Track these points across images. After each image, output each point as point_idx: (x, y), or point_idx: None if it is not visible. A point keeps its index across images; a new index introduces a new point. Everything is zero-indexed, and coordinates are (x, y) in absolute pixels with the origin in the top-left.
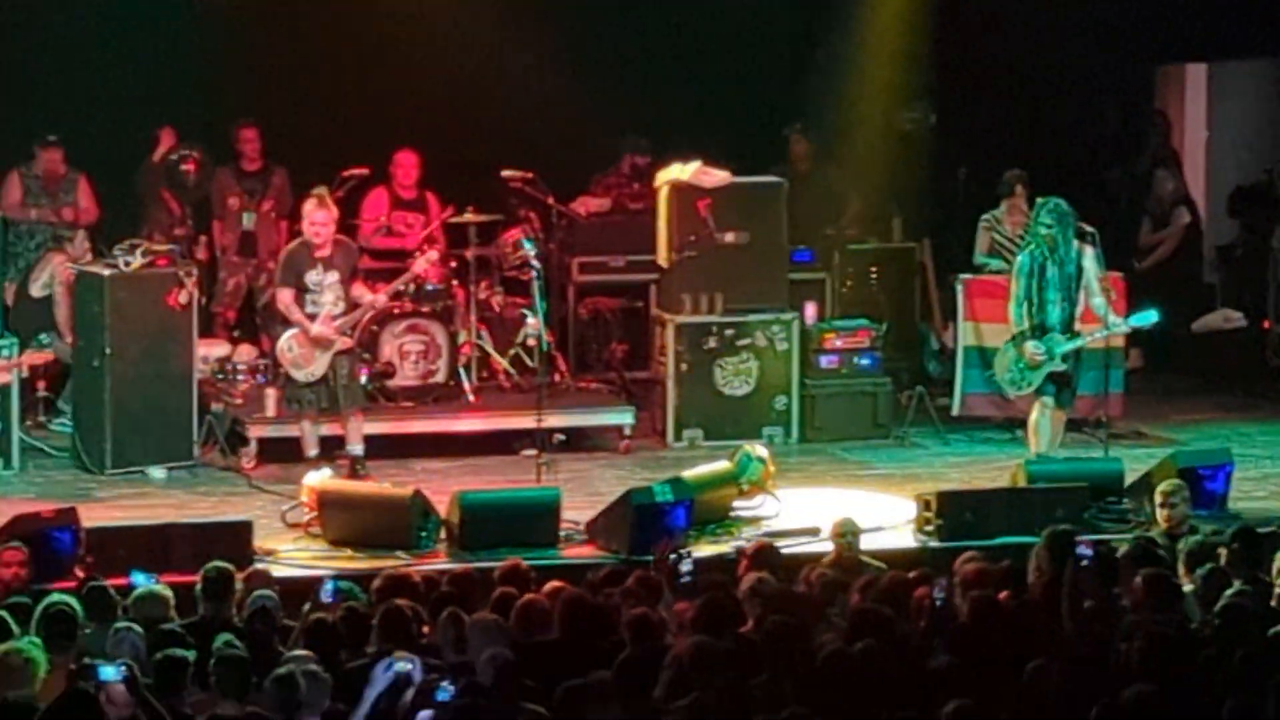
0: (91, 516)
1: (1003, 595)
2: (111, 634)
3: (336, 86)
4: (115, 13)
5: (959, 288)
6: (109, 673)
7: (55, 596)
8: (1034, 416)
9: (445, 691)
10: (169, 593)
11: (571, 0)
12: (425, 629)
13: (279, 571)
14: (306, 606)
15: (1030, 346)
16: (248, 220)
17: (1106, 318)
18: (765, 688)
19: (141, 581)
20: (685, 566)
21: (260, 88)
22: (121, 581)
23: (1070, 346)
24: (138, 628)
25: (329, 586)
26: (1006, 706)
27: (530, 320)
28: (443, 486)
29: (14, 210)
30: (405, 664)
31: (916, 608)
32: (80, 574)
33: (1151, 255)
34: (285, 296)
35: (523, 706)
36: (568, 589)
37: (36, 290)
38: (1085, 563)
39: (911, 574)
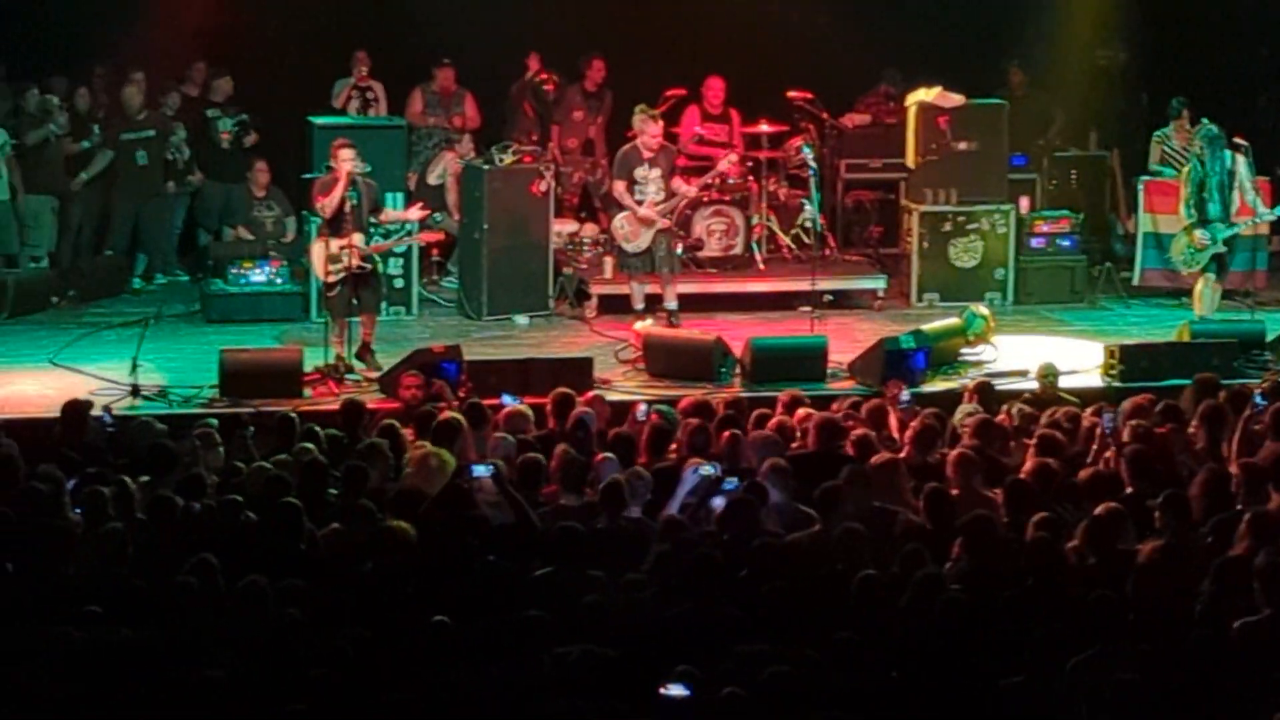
0: (471, 352)
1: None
2: (490, 442)
3: (661, 23)
4: None
5: (1139, 187)
6: (480, 470)
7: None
8: (1199, 287)
9: (731, 483)
10: (530, 411)
11: None
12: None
13: (612, 396)
14: (629, 417)
15: (1198, 234)
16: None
17: (1257, 209)
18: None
19: (509, 401)
20: (904, 397)
21: (603, 24)
22: (493, 401)
23: (1228, 233)
24: (510, 437)
25: (642, 408)
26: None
27: (807, 208)
28: (738, 334)
29: (416, 118)
30: (709, 468)
31: (1089, 433)
32: (462, 395)
33: None
34: (619, 187)
35: (796, 505)
36: (819, 413)
37: (432, 179)
38: (1258, 409)
39: (1090, 409)
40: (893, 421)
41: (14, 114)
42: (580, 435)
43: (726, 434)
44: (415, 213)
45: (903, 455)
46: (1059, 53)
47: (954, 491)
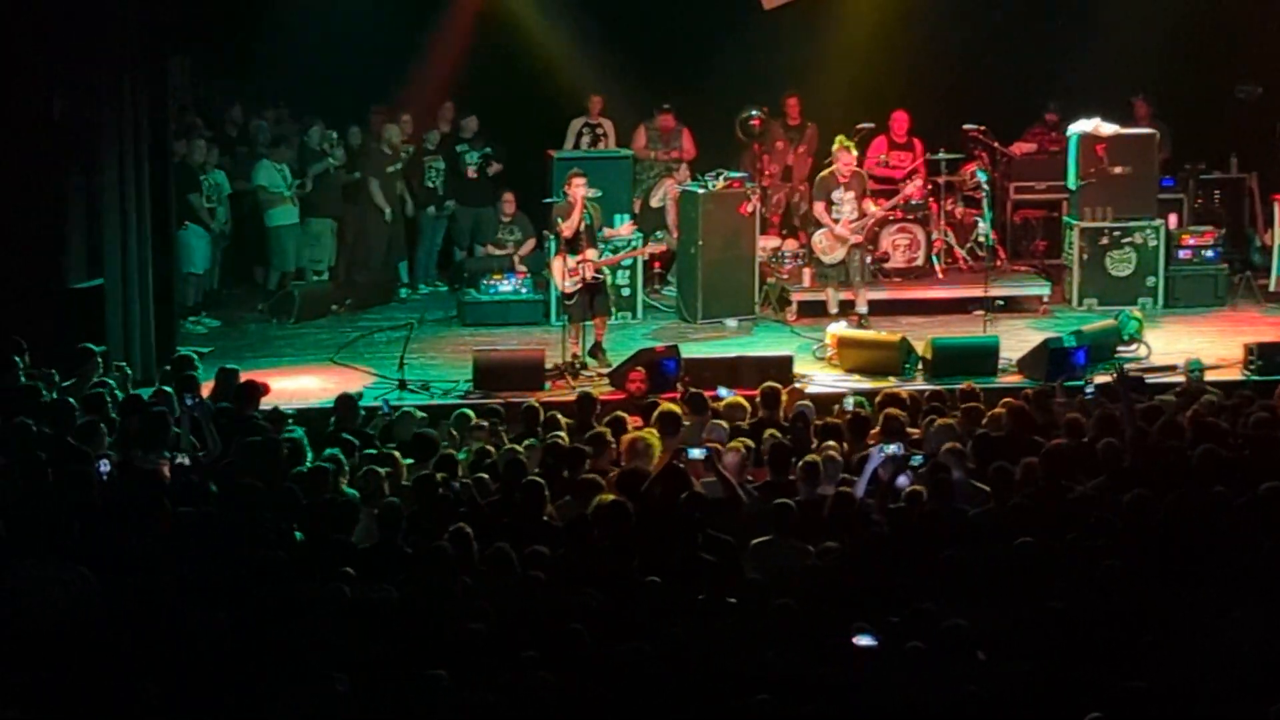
0: (688, 351)
1: None
2: (706, 428)
3: (852, 63)
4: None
5: (1275, 205)
6: (695, 452)
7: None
8: None
9: (917, 457)
10: (745, 402)
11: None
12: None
13: (811, 389)
14: (836, 408)
15: None
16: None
17: None
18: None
19: (724, 394)
20: (1089, 390)
21: (802, 67)
22: (709, 393)
23: None
24: (724, 424)
25: (850, 401)
26: None
27: (981, 224)
28: (921, 334)
29: (640, 151)
30: (894, 447)
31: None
32: (680, 389)
33: None
34: (818, 207)
35: (973, 483)
36: (1013, 400)
37: (655, 202)
38: None
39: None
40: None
41: (299, 148)
42: (799, 426)
43: (925, 420)
44: (626, 228)
45: (1088, 439)
46: (1199, 87)
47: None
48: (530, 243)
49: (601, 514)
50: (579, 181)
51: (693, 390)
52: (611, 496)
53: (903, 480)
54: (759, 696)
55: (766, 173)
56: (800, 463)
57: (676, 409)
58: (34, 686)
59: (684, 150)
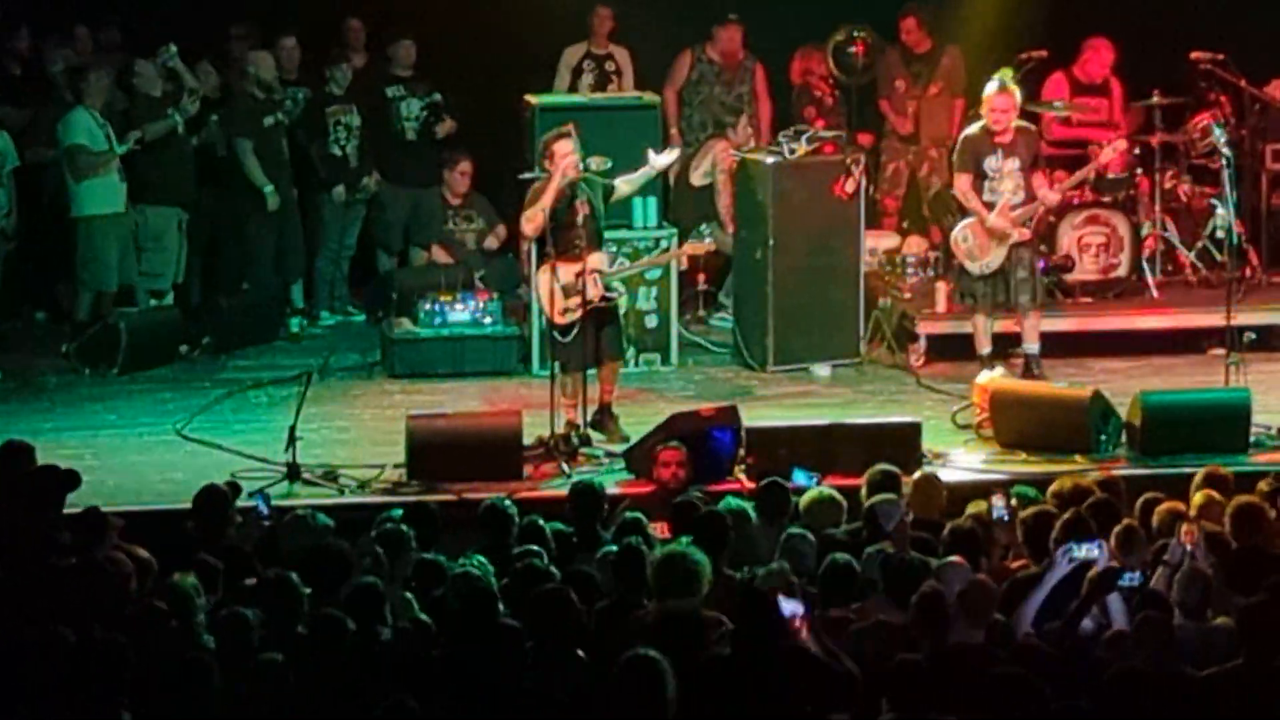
0: (753, 415)
1: None
2: (784, 539)
3: None
4: None
5: None
6: (790, 607)
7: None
8: None
9: (1131, 577)
10: (840, 497)
11: None
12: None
13: (948, 476)
14: (974, 511)
15: None
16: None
17: None
18: None
19: (803, 480)
20: None
21: None
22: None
23: None
24: (810, 535)
25: (999, 503)
26: None
27: (1220, 211)
28: (1124, 387)
29: (673, 92)
30: (1090, 549)
31: None
32: (741, 475)
33: None
34: (963, 183)
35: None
36: (1237, 498)
37: (697, 179)
38: None
39: None
40: None
41: (127, 94)
42: (875, 530)
43: (1120, 527)
44: (665, 158)
45: None
46: None
47: None
48: (500, 230)
49: (626, 674)
50: (563, 149)
51: (770, 480)
52: (644, 650)
53: (1116, 608)
54: None
55: (890, 125)
56: (918, 596)
57: (740, 510)
58: None
59: (757, 98)
